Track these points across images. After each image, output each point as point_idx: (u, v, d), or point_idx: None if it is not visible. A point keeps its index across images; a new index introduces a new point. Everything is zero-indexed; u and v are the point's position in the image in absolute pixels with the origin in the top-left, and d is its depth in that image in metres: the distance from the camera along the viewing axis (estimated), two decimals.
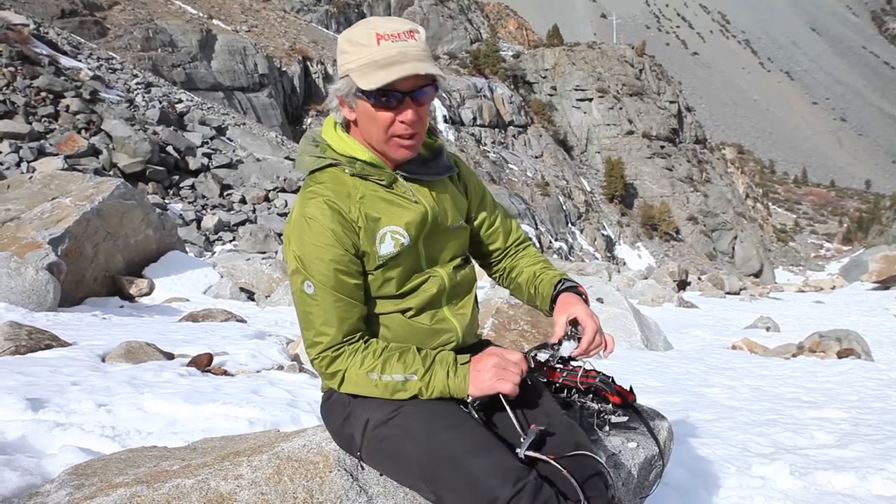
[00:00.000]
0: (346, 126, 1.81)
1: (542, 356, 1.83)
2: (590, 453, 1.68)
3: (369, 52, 1.63)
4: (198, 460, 1.99)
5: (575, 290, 1.95)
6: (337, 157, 1.77)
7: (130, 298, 8.72)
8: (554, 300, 1.94)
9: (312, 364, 1.77)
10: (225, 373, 4.33)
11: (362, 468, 1.80)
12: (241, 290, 10.49)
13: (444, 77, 1.72)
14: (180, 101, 32.09)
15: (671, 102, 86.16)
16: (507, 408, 1.68)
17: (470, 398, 1.69)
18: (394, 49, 1.63)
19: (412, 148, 1.75)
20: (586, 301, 1.92)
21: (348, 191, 1.75)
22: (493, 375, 1.65)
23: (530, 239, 2.19)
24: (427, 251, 1.84)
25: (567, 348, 1.82)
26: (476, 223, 2.03)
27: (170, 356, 4.62)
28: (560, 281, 1.97)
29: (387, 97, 1.65)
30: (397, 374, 1.68)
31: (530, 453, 1.58)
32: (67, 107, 23.78)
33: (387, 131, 1.70)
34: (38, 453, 2.52)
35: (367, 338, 1.76)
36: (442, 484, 1.58)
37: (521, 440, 1.60)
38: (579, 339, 1.81)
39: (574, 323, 1.84)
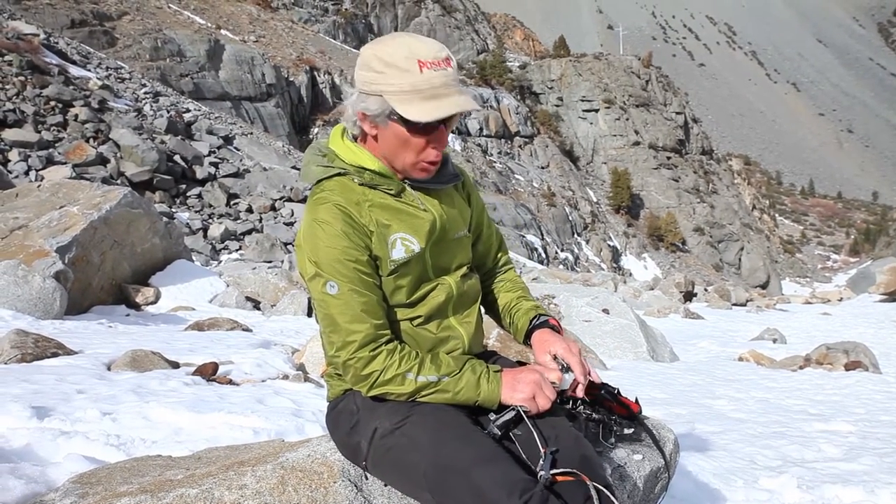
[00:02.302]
0: (355, 136, 1.82)
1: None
2: (597, 466, 1.67)
3: (412, 80, 1.62)
4: (202, 470, 1.99)
5: (548, 324, 1.99)
6: (345, 167, 1.78)
7: (136, 307, 8.74)
8: (529, 334, 2.00)
9: (344, 367, 1.73)
10: (230, 382, 4.33)
11: (367, 478, 1.80)
12: (247, 299, 10.50)
13: (479, 108, 1.75)
14: (188, 110, 32.27)
15: (677, 113, 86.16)
16: (529, 424, 1.68)
17: (493, 416, 1.70)
18: (437, 79, 1.63)
19: (432, 171, 1.79)
20: (559, 331, 1.97)
21: (357, 198, 1.76)
22: (531, 390, 1.69)
23: (512, 262, 2.23)
24: (434, 259, 1.84)
25: (567, 381, 1.85)
26: (474, 234, 2.05)
27: (175, 365, 4.62)
28: (535, 316, 2.01)
29: (427, 125, 1.67)
30: (432, 375, 1.70)
31: (554, 471, 1.58)
32: (76, 116, 23.93)
33: (418, 155, 1.72)
34: (43, 461, 2.53)
35: (397, 339, 1.77)
36: (448, 495, 1.58)
37: (542, 461, 1.61)
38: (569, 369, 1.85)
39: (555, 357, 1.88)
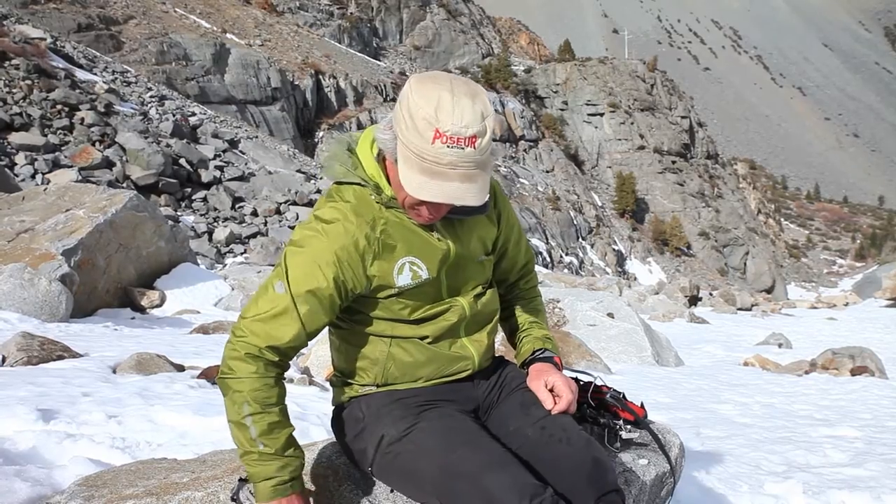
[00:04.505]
0: (382, 154, 1.71)
1: None
2: (608, 469, 1.67)
3: (421, 146, 1.51)
4: (207, 473, 1.99)
5: (552, 360, 1.95)
6: (366, 180, 1.72)
7: (142, 310, 8.76)
8: (529, 364, 1.96)
9: (233, 338, 1.66)
10: None
11: (372, 482, 1.80)
12: None
13: (483, 202, 1.58)
14: (193, 114, 32.37)
15: (683, 117, 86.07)
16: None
17: None
18: (447, 157, 1.50)
19: (430, 223, 1.72)
20: (560, 368, 1.93)
21: (373, 215, 1.69)
22: None
23: (537, 281, 2.16)
24: (449, 281, 1.80)
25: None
26: (498, 255, 1.97)
27: (180, 368, 4.63)
28: (541, 349, 1.97)
29: None
30: (254, 435, 1.61)
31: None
32: (82, 119, 24.04)
33: (412, 206, 1.66)
34: (49, 464, 2.53)
35: (282, 379, 1.70)
36: (457, 500, 1.57)
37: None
38: None
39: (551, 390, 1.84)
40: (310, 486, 1.80)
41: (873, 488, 3.24)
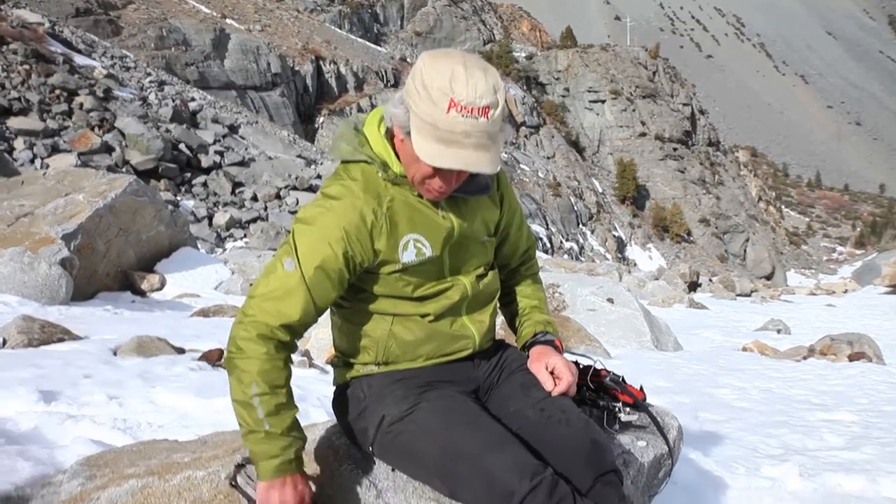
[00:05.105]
0: (391, 132, 1.74)
1: None
2: (606, 451, 1.68)
3: (435, 115, 1.54)
4: (208, 453, 2.01)
5: (552, 343, 1.96)
6: (372, 157, 1.73)
7: (142, 294, 8.78)
8: (529, 346, 1.97)
9: (242, 317, 1.67)
10: None
11: (373, 462, 1.81)
12: (252, 286, 10.54)
13: (496, 171, 1.64)
14: (193, 99, 32.28)
15: (684, 105, 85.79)
16: None
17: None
18: (460, 126, 1.53)
19: (440, 198, 1.73)
20: (561, 352, 1.94)
21: (379, 192, 1.71)
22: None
23: (538, 267, 2.18)
24: (451, 261, 1.82)
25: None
26: (499, 238, 1.99)
27: (181, 351, 4.65)
28: (542, 332, 1.99)
29: None
30: (261, 415, 1.62)
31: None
32: (81, 104, 23.97)
33: (424, 179, 1.67)
34: (51, 444, 2.55)
35: (290, 361, 1.71)
36: (458, 480, 1.59)
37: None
38: None
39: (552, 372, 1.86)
40: (311, 465, 1.82)
41: (869, 471, 3.26)
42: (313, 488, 1.72)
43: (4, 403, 2.96)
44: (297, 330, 1.68)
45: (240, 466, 1.71)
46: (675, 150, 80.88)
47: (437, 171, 1.64)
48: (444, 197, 1.74)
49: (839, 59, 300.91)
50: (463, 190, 1.77)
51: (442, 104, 1.53)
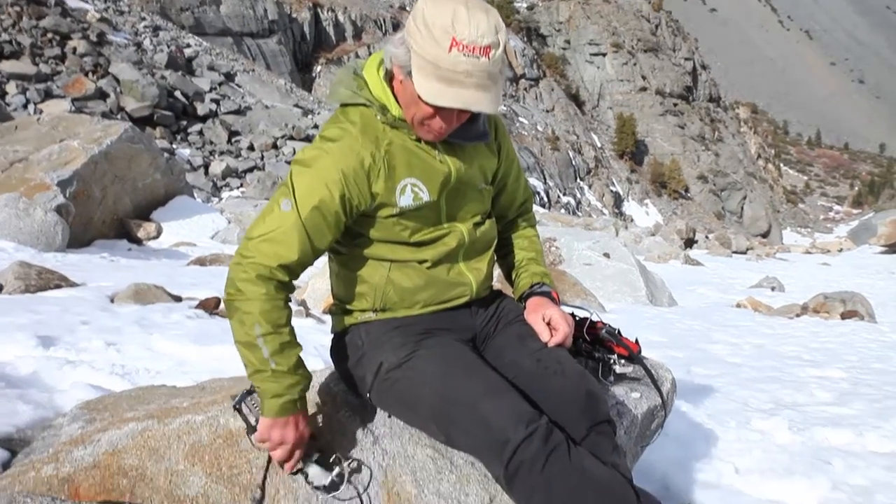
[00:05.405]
0: (390, 75, 1.73)
1: None
2: (601, 401, 1.70)
3: (437, 54, 1.53)
4: (207, 398, 2.02)
5: (549, 294, 1.96)
6: (371, 100, 1.73)
7: (138, 242, 8.77)
8: (528, 296, 1.97)
9: (238, 258, 1.66)
10: None
11: (371, 408, 1.83)
12: None
13: (496, 111, 1.65)
14: (188, 45, 31.76)
15: (686, 59, 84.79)
16: None
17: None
18: (462, 65, 1.53)
19: (439, 138, 1.73)
20: (557, 303, 1.95)
21: (377, 135, 1.71)
22: (274, 445, 1.63)
23: (534, 220, 2.18)
24: (449, 207, 1.82)
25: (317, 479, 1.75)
26: (497, 188, 2.00)
27: (178, 299, 4.66)
28: (539, 283, 1.99)
29: None
30: (266, 354, 1.62)
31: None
32: (74, 49, 23.57)
33: (424, 119, 1.66)
34: (50, 388, 2.57)
35: (289, 301, 1.71)
36: (454, 426, 1.61)
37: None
38: None
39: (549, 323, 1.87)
40: (309, 411, 1.83)
41: (856, 426, 3.32)
42: (314, 429, 1.74)
43: (3, 348, 2.98)
44: (294, 270, 1.69)
45: (248, 393, 1.71)
46: (675, 105, 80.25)
47: (438, 112, 1.63)
48: (443, 138, 1.73)
49: (844, 14, 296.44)
50: (461, 136, 1.77)
51: (444, 43, 1.52)
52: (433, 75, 1.55)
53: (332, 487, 1.63)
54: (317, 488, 1.65)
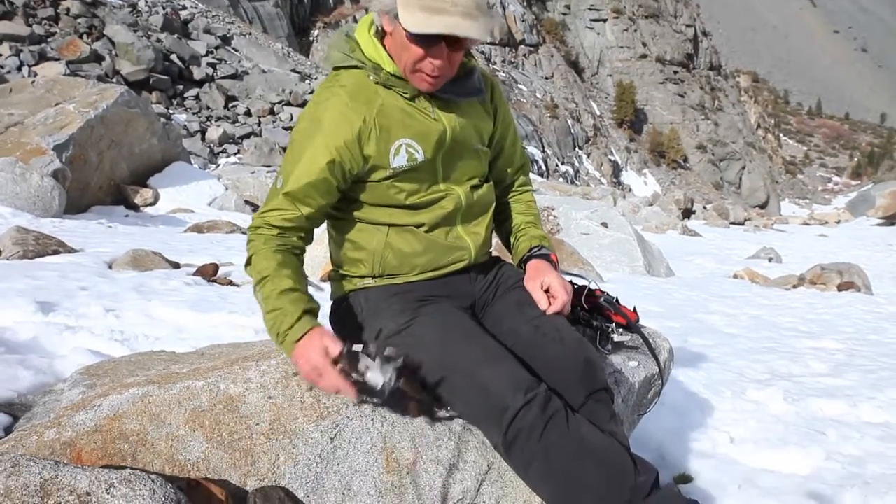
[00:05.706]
0: (382, 33, 1.74)
1: None
2: (598, 369, 1.71)
3: None
4: (207, 364, 2.03)
5: (548, 257, 1.96)
6: (364, 61, 1.73)
7: (135, 208, 8.75)
8: (525, 261, 1.97)
9: (250, 230, 1.74)
10: (231, 283, 4.38)
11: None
12: (246, 202, 10.50)
13: (486, 40, 1.67)
14: (184, 7, 31.27)
15: (687, 26, 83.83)
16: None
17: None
18: None
19: (434, 85, 1.71)
20: (556, 267, 1.95)
21: (369, 96, 1.71)
22: (307, 374, 1.59)
23: (531, 184, 2.18)
24: (445, 168, 1.81)
25: (376, 382, 1.62)
26: (494, 152, 1.99)
27: (176, 265, 4.66)
28: (538, 246, 1.99)
29: (427, 37, 1.60)
30: (261, 298, 1.65)
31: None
32: (68, 10, 23.22)
33: (414, 65, 1.65)
34: (50, 354, 2.58)
35: (302, 252, 1.76)
36: (453, 392, 1.62)
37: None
38: None
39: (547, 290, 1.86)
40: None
41: (850, 396, 3.36)
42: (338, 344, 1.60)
43: (3, 314, 2.99)
44: (301, 228, 1.74)
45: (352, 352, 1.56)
46: (675, 73, 79.53)
47: (427, 51, 1.62)
48: (438, 87, 1.72)
49: None
50: (454, 91, 1.77)
51: None
52: (417, 6, 1.56)
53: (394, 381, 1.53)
54: (380, 391, 1.53)
